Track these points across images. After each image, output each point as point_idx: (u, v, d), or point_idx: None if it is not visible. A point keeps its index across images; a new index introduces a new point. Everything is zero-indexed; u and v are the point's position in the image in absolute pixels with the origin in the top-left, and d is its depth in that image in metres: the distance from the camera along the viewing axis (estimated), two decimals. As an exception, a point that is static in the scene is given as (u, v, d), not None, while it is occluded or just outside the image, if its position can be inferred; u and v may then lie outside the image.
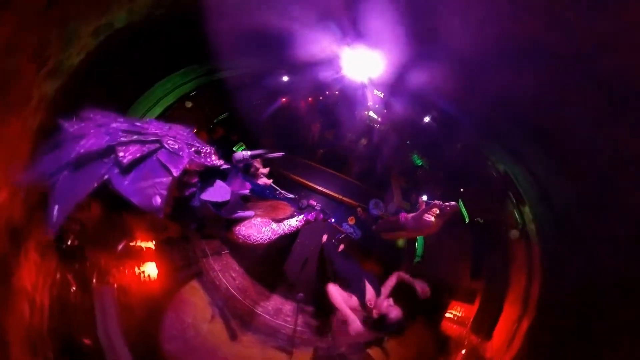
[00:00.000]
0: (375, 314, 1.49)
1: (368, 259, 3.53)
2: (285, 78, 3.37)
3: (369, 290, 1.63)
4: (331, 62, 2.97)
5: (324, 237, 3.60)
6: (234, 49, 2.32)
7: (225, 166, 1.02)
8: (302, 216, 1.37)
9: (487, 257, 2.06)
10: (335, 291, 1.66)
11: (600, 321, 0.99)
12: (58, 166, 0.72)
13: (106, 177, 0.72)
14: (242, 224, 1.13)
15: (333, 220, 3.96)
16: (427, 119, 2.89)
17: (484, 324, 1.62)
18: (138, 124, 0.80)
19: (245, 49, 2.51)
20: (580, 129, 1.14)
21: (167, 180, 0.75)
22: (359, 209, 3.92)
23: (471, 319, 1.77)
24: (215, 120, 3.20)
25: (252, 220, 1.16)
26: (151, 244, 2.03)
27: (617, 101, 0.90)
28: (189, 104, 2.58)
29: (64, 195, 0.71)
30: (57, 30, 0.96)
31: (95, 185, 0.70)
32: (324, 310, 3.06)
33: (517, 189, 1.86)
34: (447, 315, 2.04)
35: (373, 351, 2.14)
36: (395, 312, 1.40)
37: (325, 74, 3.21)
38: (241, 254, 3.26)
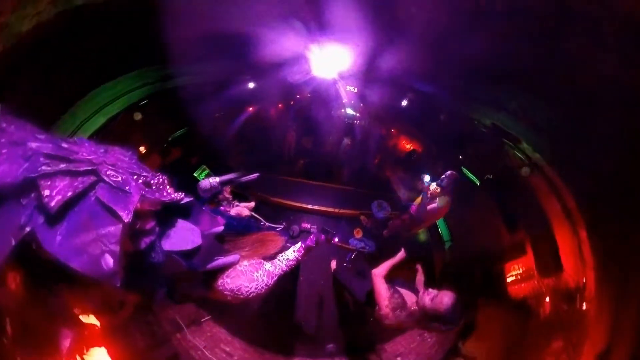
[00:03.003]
0: (427, 310, 1.37)
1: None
2: (250, 85, 3.65)
3: (406, 295, 1.61)
4: (299, 62, 3.47)
5: (333, 264, 3.46)
6: (192, 53, 2.50)
7: (186, 199, 0.90)
8: (300, 244, 1.31)
9: (514, 205, 2.43)
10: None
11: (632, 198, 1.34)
12: None
13: (28, 229, 0.58)
14: (224, 276, 1.00)
15: (337, 239, 3.89)
16: (405, 102, 3.56)
17: (549, 262, 1.83)
18: (65, 144, 0.69)
19: (204, 53, 2.72)
20: (552, 61, 1.71)
21: (116, 229, 0.62)
22: (362, 217, 4.02)
23: (534, 267, 1.95)
24: (169, 138, 3.02)
25: (237, 266, 1.04)
26: (94, 320, 1.52)
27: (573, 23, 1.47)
28: (137, 116, 2.43)
29: None
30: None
31: (14, 244, 0.57)
32: (367, 352, 2.72)
33: (509, 132, 2.45)
34: (509, 280, 2.16)
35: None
36: (445, 299, 1.32)
37: (293, 76, 3.68)
38: (229, 317, 2.75)
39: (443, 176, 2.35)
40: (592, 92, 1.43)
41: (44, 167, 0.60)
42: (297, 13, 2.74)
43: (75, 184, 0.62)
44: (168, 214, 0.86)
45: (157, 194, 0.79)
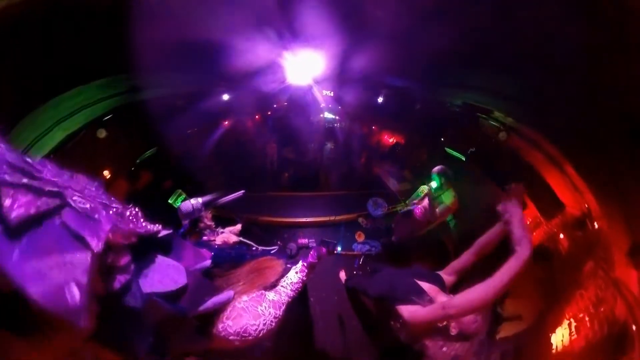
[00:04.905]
0: (451, 331, 1.22)
1: (407, 260, 3.57)
2: (225, 96, 3.67)
3: (433, 293, 1.38)
4: (273, 71, 3.68)
5: (342, 275, 3.41)
6: (163, 62, 2.49)
7: (165, 232, 0.86)
8: (300, 263, 1.28)
9: (502, 168, 2.83)
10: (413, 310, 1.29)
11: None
12: None
13: None
14: (224, 318, 0.92)
15: (339, 248, 3.85)
16: (380, 99, 4.00)
17: (550, 205, 2.14)
18: (28, 159, 0.67)
19: (176, 62, 2.72)
20: (506, 35, 2.19)
21: (84, 257, 0.58)
22: (360, 220, 4.11)
23: (539, 215, 2.25)
24: (138, 160, 2.75)
25: (236, 304, 0.96)
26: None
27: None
28: (101, 133, 2.18)
29: None
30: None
31: None
32: (408, 355, 2.60)
33: (480, 106, 2.94)
34: (520, 234, 2.42)
35: (502, 331, 2.04)
36: (476, 328, 1.19)
37: (268, 85, 3.85)
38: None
39: (434, 173, 2.61)
40: (545, 51, 1.90)
41: (5, 175, 0.56)
42: (269, 21, 2.99)
43: (39, 203, 0.58)
44: (145, 250, 0.78)
45: (131, 224, 0.74)
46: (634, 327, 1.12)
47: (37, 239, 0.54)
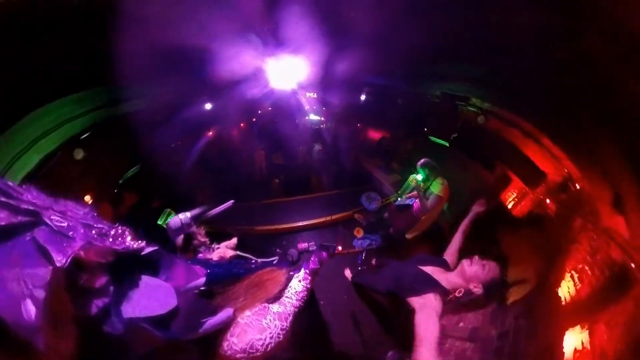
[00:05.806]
0: (474, 291, 1.31)
1: (407, 249, 3.68)
2: (208, 105, 3.54)
3: (439, 274, 1.46)
4: (256, 77, 3.66)
5: (347, 273, 3.44)
6: (143, 71, 2.36)
7: (149, 249, 0.81)
8: (302, 271, 1.27)
9: (484, 148, 3.09)
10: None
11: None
12: None
13: None
14: (228, 336, 0.88)
15: (340, 248, 3.86)
16: (363, 97, 4.15)
17: (533, 176, 2.38)
18: (10, 183, 0.67)
19: (157, 71, 2.59)
20: (472, 30, 2.43)
21: (44, 272, 0.56)
22: (356, 215, 4.17)
23: (524, 186, 2.49)
24: (121, 181, 2.51)
25: (239, 320, 0.93)
26: None
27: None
28: (79, 154, 1.97)
29: None
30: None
31: None
32: None
33: (457, 94, 3.20)
34: (510, 205, 2.65)
35: (511, 296, 2.18)
36: (490, 272, 1.30)
37: (253, 92, 3.80)
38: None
39: (418, 167, 2.79)
40: (512, 38, 2.14)
41: None
42: (253, 27, 2.99)
43: (12, 219, 0.59)
44: (128, 271, 0.73)
45: (108, 242, 0.70)
46: (632, 265, 1.30)
47: (3, 251, 0.54)
